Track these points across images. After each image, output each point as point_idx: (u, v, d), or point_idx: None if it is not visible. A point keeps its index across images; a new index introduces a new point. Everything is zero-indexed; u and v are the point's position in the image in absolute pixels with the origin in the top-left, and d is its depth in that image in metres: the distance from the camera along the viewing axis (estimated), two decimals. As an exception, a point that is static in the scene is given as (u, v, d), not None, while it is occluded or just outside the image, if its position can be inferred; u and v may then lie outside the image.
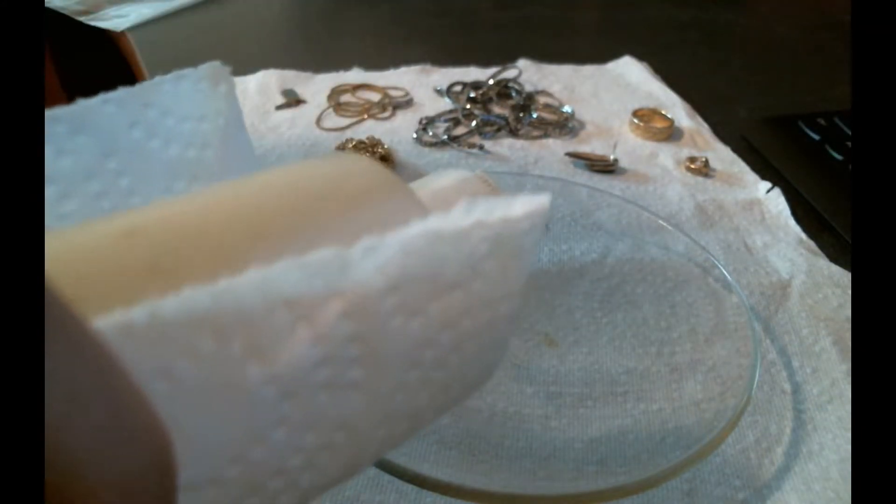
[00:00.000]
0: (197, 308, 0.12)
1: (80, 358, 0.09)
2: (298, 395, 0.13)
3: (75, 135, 0.19)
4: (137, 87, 0.21)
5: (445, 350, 0.16)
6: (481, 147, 0.51)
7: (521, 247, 0.16)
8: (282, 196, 0.16)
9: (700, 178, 0.50)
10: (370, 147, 0.49)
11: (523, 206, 0.16)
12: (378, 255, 0.14)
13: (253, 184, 0.17)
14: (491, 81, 0.58)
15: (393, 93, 0.58)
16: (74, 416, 0.09)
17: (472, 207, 0.15)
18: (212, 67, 0.22)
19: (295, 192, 0.16)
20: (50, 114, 0.19)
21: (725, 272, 0.36)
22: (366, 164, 0.18)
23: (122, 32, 0.67)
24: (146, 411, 0.10)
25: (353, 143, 0.50)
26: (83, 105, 0.19)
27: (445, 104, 0.57)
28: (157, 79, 0.21)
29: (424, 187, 0.20)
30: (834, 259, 0.42)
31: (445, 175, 0.22)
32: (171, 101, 0.21)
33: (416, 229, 0.14)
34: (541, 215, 0.16)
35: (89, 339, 0.10)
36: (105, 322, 0.10)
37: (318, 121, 0.54)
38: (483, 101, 0.56)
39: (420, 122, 0.54)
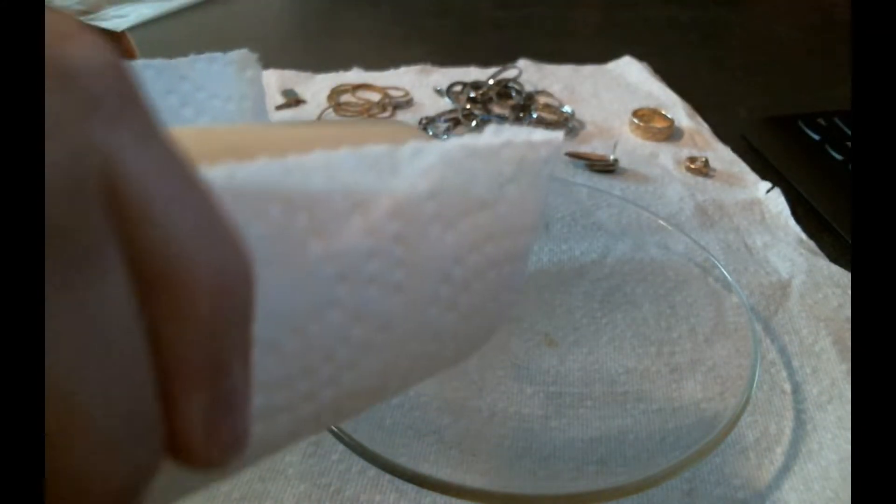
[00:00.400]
0: (269, 177, 0.13)
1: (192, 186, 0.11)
2: (351, 281, 0.14)
3: None
4: (174, 61, 0.22)
5: (471, 272, 0.17)
6: (481, 147, 0.51)
7: (538, 175, 0.17)
8: (333, 127, 0.18)
9: (700, 178, 0.50)
10: (370, 147, 0.49)
11: (541, 135, 0.18)
12: (422, 158, 0.15)
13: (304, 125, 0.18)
14: (491, 81, 0.58)
15: (393, 93, 0.58)
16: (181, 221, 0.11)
17: (500, 131, 0.17)
18: (240, 54, 0.23)
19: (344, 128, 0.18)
20: None
21: (725, 272, 0.36)
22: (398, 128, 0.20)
23: (122, 32, 0.67)
24: (234, 230, 0.11)
25: (353, 143, 0.50)
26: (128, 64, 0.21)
27: (445, 104, 0.57)
28: (192, 57, 0.22)
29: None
30: (834, 259, 0.42)
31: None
32: (204, 78, 0.22)
33: (454, 142, 0.16)
34: (556, 147, 0.18)
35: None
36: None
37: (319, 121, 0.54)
38: (483, 101, 0.56)
39: (420, 122, 0.54)
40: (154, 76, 0.22)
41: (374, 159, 0.14)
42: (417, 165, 0.15)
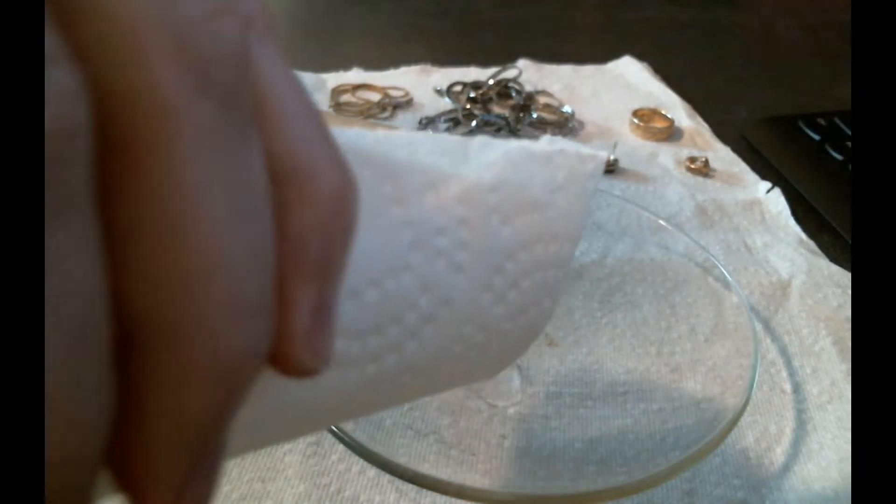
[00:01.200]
0: (363, 145, 0.14)
1: None
2: (423, 250, 0.15)
3: None
4: None
5: (521, 269, 0.18)
6: (481, 147, 0.51)
7: (584, 188, 0.19)
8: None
9: (700, 178, 0.50)
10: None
11: (590, 150, 0.19)
12: (489, 152, 0.17)
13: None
14: (491, 81, 0.58)
15: (393, 93, 0.58)
16: None
17: (554, 141, 0.18)
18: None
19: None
20: None
21: (725, 272, 0.36)
22: None
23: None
24: (345, 157, 0.13)
25: (353, 143, 0.50)
26: None
27: (445, 104, 0.57)
28: None
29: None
30: (834, 259, 0.42)
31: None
32: None
33: (515, 143, 0.17)
34: (601, 162, 0.19)
35: None
36: None
37: (318, 121, 0.54)
38: (483, 101, 0.56)
39: (420, 122, 0.54)
40: None
41: (449, 145, 0.16)
42: (484, 158, 0.16)
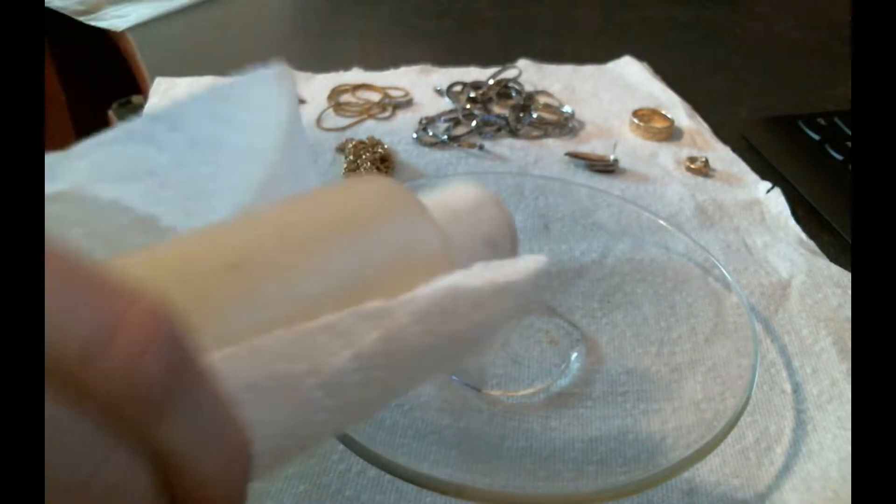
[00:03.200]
0: (280, 344, 0.16)
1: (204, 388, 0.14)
2: (336, 393, 0.17)
3: (171, 132, 0.23)
4: (217, 85, 0.24)
5: (444, 341, 0.20)
6: (481, 147, 0.51)
7: (518, 295, 0.21)
8: (332, 226, 0.20)
9: (700, 178, 0.50)
10: (370, 147, 0.49)
11: (526, 266, 0.20)
12: (412, 305, 0.18)
13: (311, 213, 0.21)
14: (491, 81, 0.58)
15: (393, 93, 0.58)
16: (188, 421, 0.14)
17: (486, 269, 0.20)
18: (277, 68, 0.26)
19: (342, 224, 0.21)
20: (153, 115, 0.23)
21: (725, 272, 0.36)
22: (387, 191, 0.22)
23: (122, 32, 0.67)
24: (236, 418, 0.15)
25: (353, 142, 0.50)
26: (178, 105, 0.23)
27: (445, 104, 0.57)
28: (233, 78, 0.24)
29: (441, 204, 0.24)
30: (834, 259, 0.42)
31: (461, 189, 0.25)
32: (244, 97, 0.24)
33: (443, 286, 0.19)
34: (540, 274, 0.21)
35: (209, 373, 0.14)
36: (219, 354, 0.15)
37: (319, 121, 0.54)
38: (483, 101, 0.56)
39: (420, 122, 0.54)
40: (199, 108, 0.23)
41: (369, 313, 0.17)
42: (407, 310, 0.18)
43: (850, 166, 0.48)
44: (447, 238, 0.22)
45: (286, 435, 0.17)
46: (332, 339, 0.17)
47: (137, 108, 0.70)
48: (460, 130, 0.53)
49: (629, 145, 0.53)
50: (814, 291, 0.39)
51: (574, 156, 0.50)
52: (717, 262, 0.37)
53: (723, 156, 0.52)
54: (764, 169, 0.51)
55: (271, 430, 0.17)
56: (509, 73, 0.59)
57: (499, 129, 0.54)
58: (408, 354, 0.19)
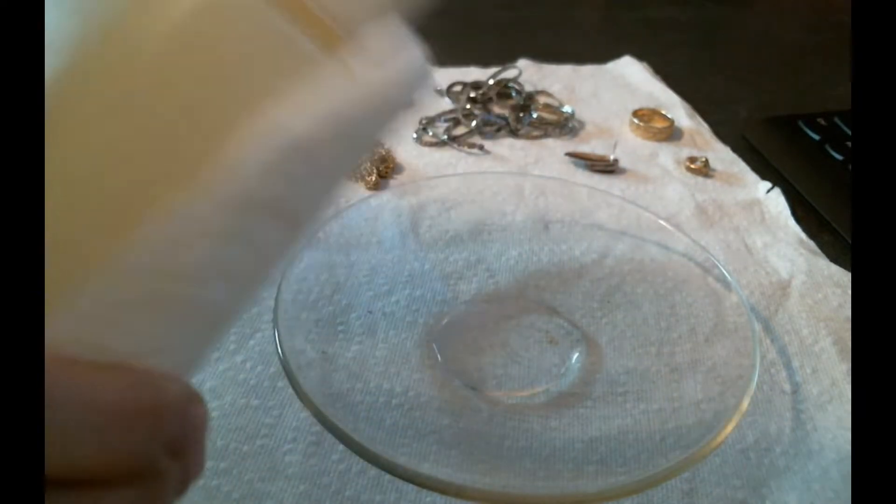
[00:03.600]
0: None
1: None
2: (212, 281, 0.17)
3: None
4: None
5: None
6: (481, 147, 0.51)
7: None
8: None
9: (700, 178, 0.50)
10: (370, 147, 0.49)
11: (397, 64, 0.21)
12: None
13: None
14: (491, 81, 0.58)
15: (393, 93, 0.58)
16: None
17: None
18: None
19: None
20: None
21: (725, 272, 0.36)
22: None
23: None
24: None
25: (353, 143, 0.50)
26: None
27: (445, 104, 0.57)
28: None
29: None
30: (834, 259, 0.42)
31: None
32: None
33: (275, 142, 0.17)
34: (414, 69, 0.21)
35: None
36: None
37: (318, 121, 0.54)
38: (483, 101, 0.56)
39: (420, 122, 0.54)
40: None
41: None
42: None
43: (850, 166, 0.48)
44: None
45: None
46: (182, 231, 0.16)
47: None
48: (460, 130, 0.53)
49: (629, 145, 0.53)
50: (814, 291, 0.39)
51: (574, 156, 0.50)
52: (717, 262, 0.37)
53: (723, 156, 0.52)
54: (764, 169, 0.51)
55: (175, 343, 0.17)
56: (509, 73, 0.59)
57: (499, 129, 0.54)
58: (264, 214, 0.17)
